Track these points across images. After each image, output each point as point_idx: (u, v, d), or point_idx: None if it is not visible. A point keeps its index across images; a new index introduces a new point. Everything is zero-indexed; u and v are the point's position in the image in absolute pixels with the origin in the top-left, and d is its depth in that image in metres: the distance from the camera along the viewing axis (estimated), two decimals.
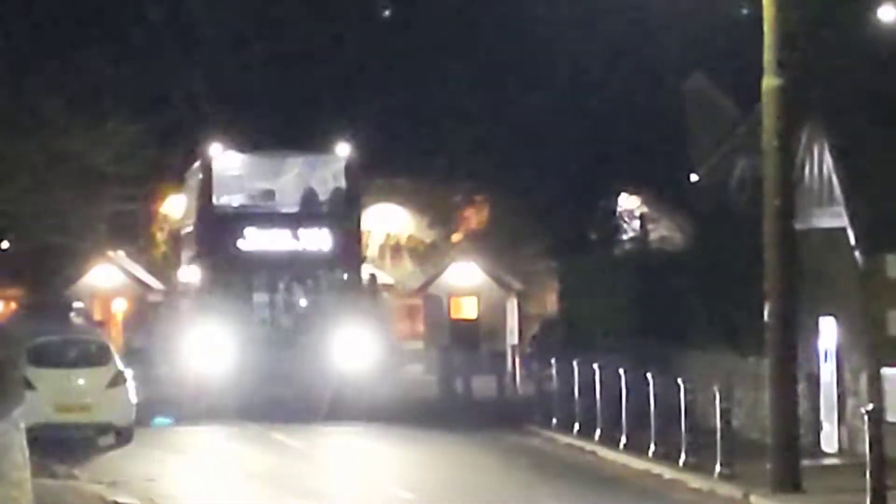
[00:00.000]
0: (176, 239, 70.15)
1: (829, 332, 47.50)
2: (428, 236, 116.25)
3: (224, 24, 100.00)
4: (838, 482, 36.25)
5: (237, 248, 43.59)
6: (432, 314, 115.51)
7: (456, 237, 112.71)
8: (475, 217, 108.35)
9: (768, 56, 38.52)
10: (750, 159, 50.49)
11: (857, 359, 47.54)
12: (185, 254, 54.32)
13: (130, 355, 71.28)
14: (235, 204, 49.57)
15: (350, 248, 46.75)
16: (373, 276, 62.55)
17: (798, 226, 42.86)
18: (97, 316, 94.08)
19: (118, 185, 73.15)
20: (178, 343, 52.23)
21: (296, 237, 45.84)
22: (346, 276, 46.22)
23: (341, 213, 47.16)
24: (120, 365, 55.04)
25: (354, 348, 45.19)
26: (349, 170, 47.36)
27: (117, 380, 53.43)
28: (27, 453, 33.63)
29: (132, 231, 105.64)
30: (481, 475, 33.67)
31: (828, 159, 49.79)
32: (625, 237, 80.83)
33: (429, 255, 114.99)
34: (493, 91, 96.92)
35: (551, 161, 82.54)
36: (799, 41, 39.92)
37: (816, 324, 47.19)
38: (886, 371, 43.48)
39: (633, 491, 38.18)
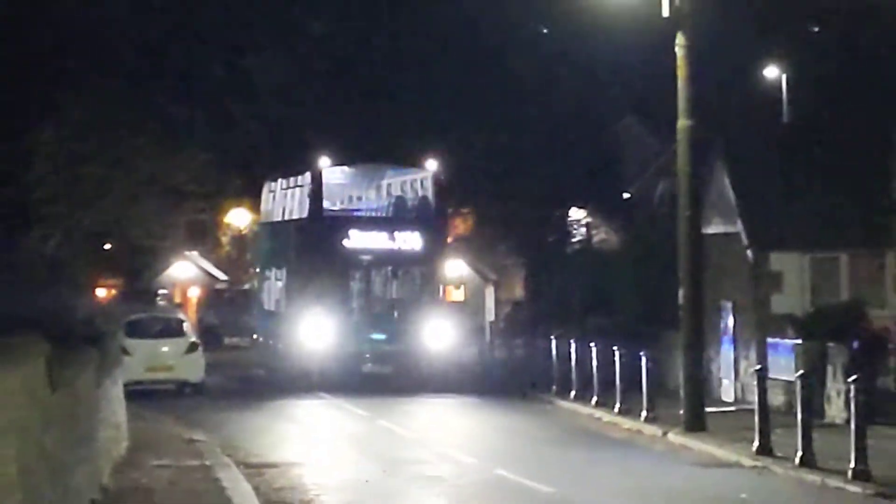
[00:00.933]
0: (258, 236, 65.85)
1: (727, 311, 48.07)
2: None
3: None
4: (734, 423, 36.40)
5: (342, 246, 43.21)
6: None
7: (448, 240, 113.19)
8: (462, 225, 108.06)
9: (681, 103, 38.86)
10: (668, 181, 51.68)
11: (748, 332, 47.91)
12: (291, 248, 51.25)
13: (203, 330, 71.53)
14: (340, 209, 48.61)
15: (435, 248, 46.02)
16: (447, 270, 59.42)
17: (704, 231, 43.17)
18: (177, 300, 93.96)
19: (192, 200, 73.07)
20: (283, 326, 49.91)
21: (391, 238, 45.07)
22: (431, 271, 45.32)
23: (429, 219, 46.17)
24: (193, 337, 55.27)
25: (438, 332, 44.36)
26: (436, 182, 46.46)
27: (192, 348, 53.65)
28: (124, 403, 33.87)
29: (202, 236, 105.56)
30: (517, 437, 34.39)
31: (726, 181, 50.20)
32: (574, 240, 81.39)
33: None
34: (476, 129, 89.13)
35: (520, 182, 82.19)
36: (704, 92, 40.03)
37: (718, 305, 47.59)
38: (769, 340, 44.06)
39: (625, 444, 38.00)
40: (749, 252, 49.08)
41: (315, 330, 40.83)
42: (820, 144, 50.46)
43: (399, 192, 47.98)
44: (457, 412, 43.21)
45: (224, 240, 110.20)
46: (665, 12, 38.63)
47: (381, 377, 43.18)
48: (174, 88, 49.31)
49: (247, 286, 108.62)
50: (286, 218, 50.65)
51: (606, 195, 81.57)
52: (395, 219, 45.24)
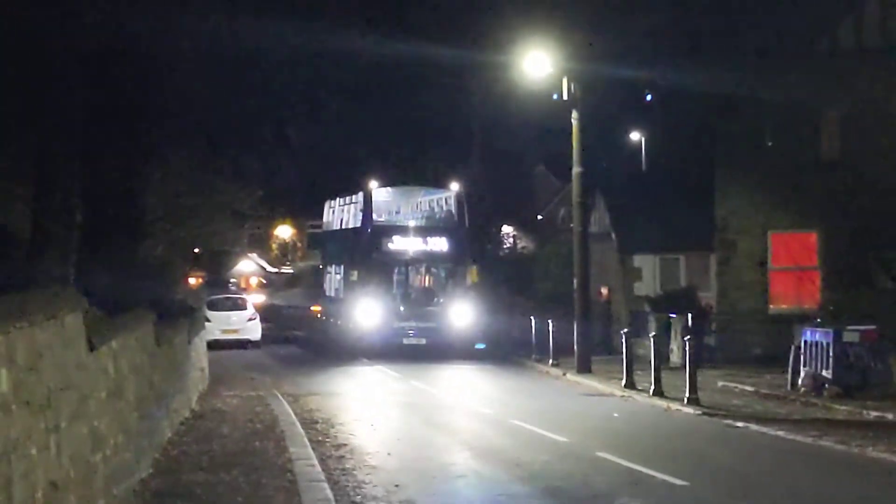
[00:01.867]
0: (321, 241, 61.41)
1: (605, 292, 48.49)
2: None
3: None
4: (610, 368, 36.25)
5: (387, 248, 42.54)
6: None
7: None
8: None
9: (575, 156, 39.08)
10: (566, 208, 51.95)
11: (620, 306, 48.20)
12: (348, 250, 48.48)
13: (262, 307, 71.69)
14: (385, 220, 46.54)
15: (459, 249, 44.49)
16: (474, 268, 52.30)
17: (590, 239, 43.34)
18: (242, 285, 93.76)
19: (251, 220, 73.18)
20: (341, 308, 47.37)
21: (424, 242, 43.93)
22: (455, 266, 43.96)
23: (453, 227, 44.79)
24: (252, 310, 55.45)
25: (461, 313, 42.96)
26: (458, 199, 45.49)
27: (252, 318, 53.76)
28: (207, 354, 33.84)
29: (259, 243, 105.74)
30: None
31: (604, 207, 50.66)
32: (505, 247, 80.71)
33: None
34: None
35: (476, 208, 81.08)
36: (590, 148, 40.13)
37: (599, 288, 47.84)
38: (634, 313, 44.67)
39: (548, 384, 37.93)
40: (619, 254, 49.53)
41: (365, 311, 40.92)
42: (665, 181, 50.88)
43: (430, 207, 47.19)
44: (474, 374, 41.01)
45: (273, 246, 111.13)
46: (565, 97, 39.24)
47: (417, 348, 41.84)
48: (241, 143, 48.84)
49: (287, 272, 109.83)
50: (343, 227, 49.62)
51: (527, 217, 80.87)
52: (427, 227, 44.82)
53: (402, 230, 44.72)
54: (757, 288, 42.72)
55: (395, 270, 44.72)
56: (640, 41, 50.43)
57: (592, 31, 43.23)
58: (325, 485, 16.16)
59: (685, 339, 29.88)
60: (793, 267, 42.43)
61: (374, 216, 44.53)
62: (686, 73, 43.32)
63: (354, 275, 43.59)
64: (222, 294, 61.31)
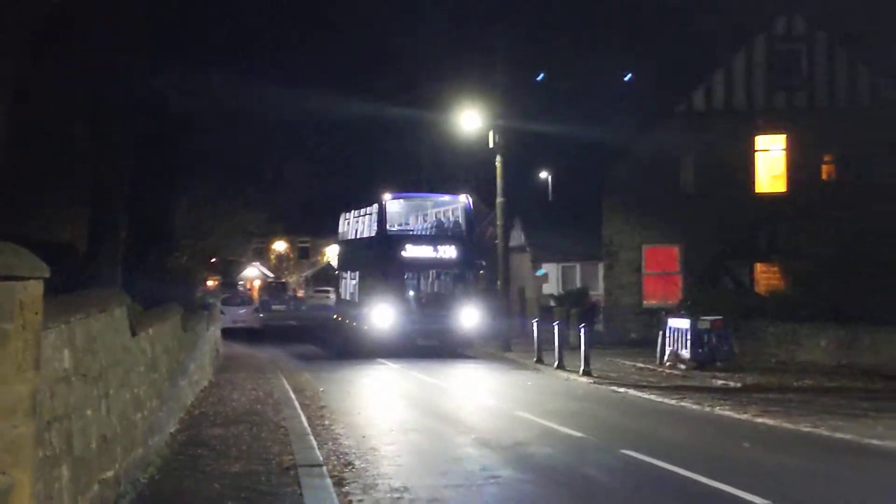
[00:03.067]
0: (337, 249, 51.83)
1: (519, 292, 48.13)
2: None
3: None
4: (526, 349, 35.96)
5: (401, 256, 36.71)
6: None
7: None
8: None
9: (499, 189, 39.08)
10: (493, 228, 50.48)
11: (532, 302, 47.98)
12: (363, 257, 41.90)
13: (263, 302, 71.11)
14: (398, 229, 40.26)
15: (466, 256, 38.02)
16: (480, 272, 47.34)
17: (511, 252, 43.16)
18: (248, 287, 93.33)
19: (256, 237, 72.85)
20: (356, 310, 40.30)
21: (434, 249, 37.76)
22: (463, 272, 37.83)
23: (461, 235, 38.22)
24: (257, 305, 55.40)
25: (469, 315, 36.93)
26: (466, 209, 38.59)
27: (257, 311, 53.75)
28: (221, 339, 33.56)
29: (262, 254, 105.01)
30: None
31: (520, 226, 50.45)
32: None
33: None
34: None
35: None
36: (510, 182, 40.04)
37: (517, 288, 47.56)
38: (543, 307, 44.19)
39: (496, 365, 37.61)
40: (532, 262, 49.44)
41: (380, 314, 35.46)
42: (566, 208, 50.78)
43: (440, 217, 40.76)
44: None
45: (272, 257, 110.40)
46: (490, 144, 39.40)
47: (428, 348, 36.01)
48: (248, 178, 48.29)
49: (283, 280, 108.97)
50: (358, 237, 42.67)
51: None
52: (437, 236, 38.64)
53: (414, 238, 39.07)
54: (633, 288, 43.00)
55: (408, 276, 38.90)
56: (550, 104, 50.38)
57: (514, 96, 43.22)
58: (311, 437, 16.13)
59: (580, 326, 29.84)
60: (660, 272, 42.74)
61: (388, 226, 38.83)
62: (583, 128, 43.40)
63: (370, 280, 37.58)
64: (232, 293, 61.73)
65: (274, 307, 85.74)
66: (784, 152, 41.51)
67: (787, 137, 41.30)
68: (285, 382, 26.15)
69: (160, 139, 30.35)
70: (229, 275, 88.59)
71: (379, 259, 36.27)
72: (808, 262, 39.16)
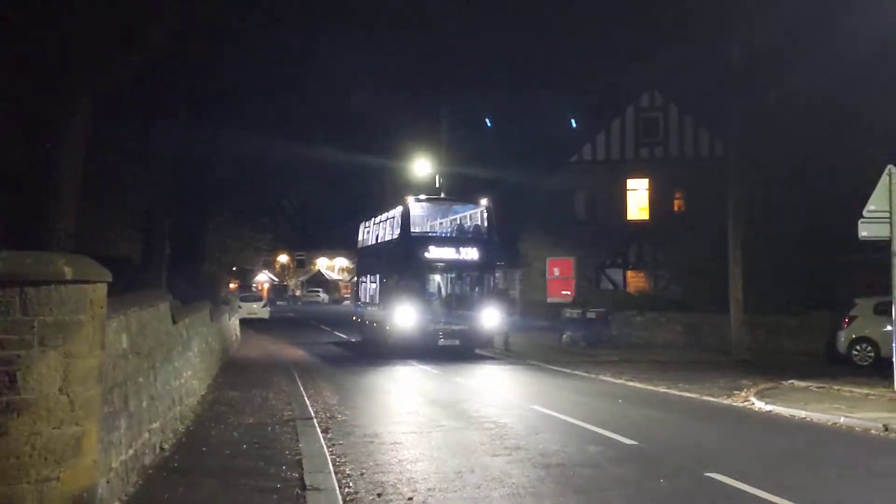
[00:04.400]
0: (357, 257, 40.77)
1: None
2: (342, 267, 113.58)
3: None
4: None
5: (424, 257, 29.78)
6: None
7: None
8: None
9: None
10: None
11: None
12: (385, 260, 33.01)
13: (269, 299, 70.74)
14: (421, 232, 32.85)
15: (487, 257, 30.43)
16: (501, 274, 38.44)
17: None
18: (259, 288, 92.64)
19: (264, 252, 72.62)
20: (378, 313, 31.75)
21: (457, 252, 30.50)
22: (484, 274, 30.35)
23: (482, 238, 30.80)
24: (265, 301, 54.92)
25: (490, 316, 29.21)
26: (488, 213, 30.99)
27: (266, 305, 53.20)
28: (239, 327, 33.21)
29: (269, 264, 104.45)
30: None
31: None
32: None
33: (350, 271, 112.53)
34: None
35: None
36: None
37: None
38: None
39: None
40: None
41: (403, 315, 28.56)
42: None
43: (462, 220, 33.57)
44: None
45: (277, 266, 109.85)
46: (436, 185, 39.32)
47: (451, 349, 28.69)
48: (258, 208, 47.85)
49: (285, 283, 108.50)
50: (379, 241, 34.16)
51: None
52: (459, 238, 31.42)
53: (436, 241, 31.40)
54: (542, 289, 43.28)
55: (431, 277, 31.77)
56: (493, 147, 49.29)
57: (463, 141, 43.25)
58: (306, 399, 16.06)
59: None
60: (560, 277, 43.05)
61: (411, 228, 31.15)
62: (510, 172, 43.30)
63: (393, 281, 29.90)
64: (248, 293, 61.31)
65: (278, 303, 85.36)
66: (647, 191, 42.07)
67: (649, 180, 41.88)
68: (291, 368, 25.89)
69: (195, 181, 30.43)
70: (245, 279, 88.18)
71: (402, 260, 29.42)
72: (664, 269, 39.83)
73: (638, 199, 42.25)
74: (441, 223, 33.20)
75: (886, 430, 12.93)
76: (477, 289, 29.09)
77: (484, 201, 29.59)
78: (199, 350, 15.49)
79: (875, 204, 16.59)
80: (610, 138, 42.48)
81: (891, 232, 16.36)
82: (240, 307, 41.10)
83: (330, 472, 9.45)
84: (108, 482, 7.30)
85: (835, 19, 26.85)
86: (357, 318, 35.97)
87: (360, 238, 37.68)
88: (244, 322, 40.24)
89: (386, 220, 32.35)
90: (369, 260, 35.06)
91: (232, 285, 68.22)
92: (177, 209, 28.11)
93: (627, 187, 42.22)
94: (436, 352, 27.21)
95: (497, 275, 29.83)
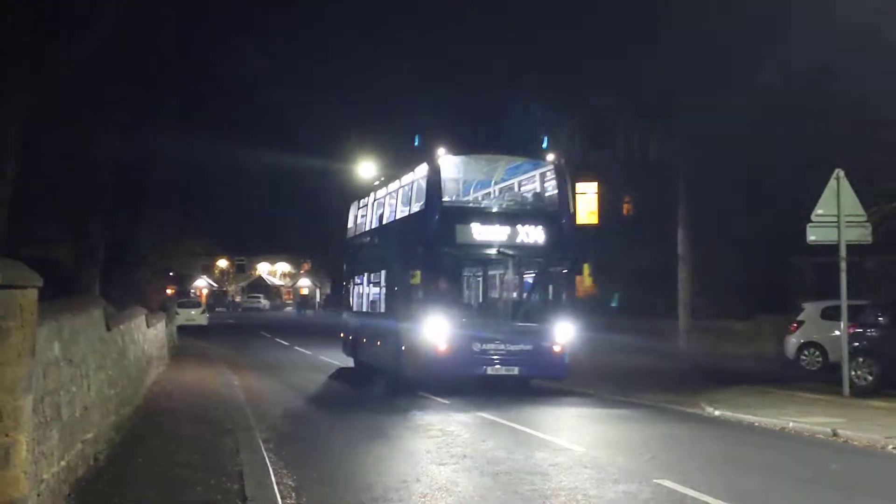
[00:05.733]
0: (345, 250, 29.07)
1: None
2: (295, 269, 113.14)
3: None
4: None
5: (463, 242, 19.10)
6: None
7: (305, 267, 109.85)
8: (305, 265, 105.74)
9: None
10: None
11: None
12: (398, 246, 21.41)
13: (208, 305, 69.95)
14: (459, 202, 21.42)
15: (561, 241, 19.48)
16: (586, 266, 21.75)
17: None
18: (198, 294, 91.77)
19: (203, 257, 71.67)
20: (387, 326, 21.15)
21: (514, 232, 19.25)
22: (558, 266, 19.54)
23: (554, 210, 19.86)
24: (204, 308, 54.59)
25: (564, 330, 19.06)
26: (559, 170, 20.15)
27: (204, 311, 52.99)
28: (177, 332, 32.85)
29: (208, 269, 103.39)
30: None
31: None
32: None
33: (292, 276, 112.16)
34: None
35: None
36: None
37: None
38: None
39: None
40: None
41: (432, 328, 18.51)
42: None
43: (520, 184, 22.41)
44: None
45: (216, 271, 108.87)
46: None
47: (505, 380, 18.98)
48: (195, 214, 46.86)
49: (224, 289, 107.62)
50: (387, 222, 23.19)
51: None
52: (518, 211, 20.32)
53: (483, 215, 20.02)
54: None
55: (472, 273, 22.02)
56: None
57: (397, 148, 43.26)
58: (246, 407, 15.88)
59: None
60: None
61: (443, 196, 20.03)
62: None
63: (413, 280, 19.33)
64: (186, 298, 60.88)
65: (217, 309, 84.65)
66: (596, 195, 42.40)
67: (598, 184, 42.19)
68: (228, 371, 25.62)
69: (130, 187, 30.26)
70: (183, 285, 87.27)
71: (428, 245, 19.07)
72: (613, 274, 40.06)
73: (587, 203, 42.54)
74: (489, 192, 22.50)
75: (835, 434, 13.16)
76: (545, 290, 20.18)
77: (551, 156, 20.03)
78: (136, 358, 15.31)
79: (823, 208, 16.94)
80: (559, 142, 42.67)
81: (838, 236, 16.70)
82: (177, 313, 40.66)
83: (271, 482, 9.34)
84: (38, 495, 7.19)
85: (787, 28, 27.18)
86: (348, 335, 26.13)
87: (351, 223, 27.82)
88: (182, 329, 39.86)
89: (398, 190, 22.03)
90: (369, 251, 25.02)
91: (169, 291, 67.42)
92: (113, 213, 27.88)
93: (577, 191, 42.43)
94: (482, 384, 18.94)
95: (569, 269, 19.51)
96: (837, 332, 17.85)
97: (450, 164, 20.71)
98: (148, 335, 18.50)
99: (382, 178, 24.58)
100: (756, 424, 14.51)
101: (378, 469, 10.66)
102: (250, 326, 55.07)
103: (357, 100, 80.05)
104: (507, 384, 19.02)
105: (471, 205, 21.20)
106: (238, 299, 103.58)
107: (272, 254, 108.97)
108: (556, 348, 18.92)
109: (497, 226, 19.26)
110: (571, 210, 20.29)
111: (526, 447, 12.12)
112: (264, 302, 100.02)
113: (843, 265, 16.74)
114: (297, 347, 34.86)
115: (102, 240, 26.91)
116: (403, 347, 19.39)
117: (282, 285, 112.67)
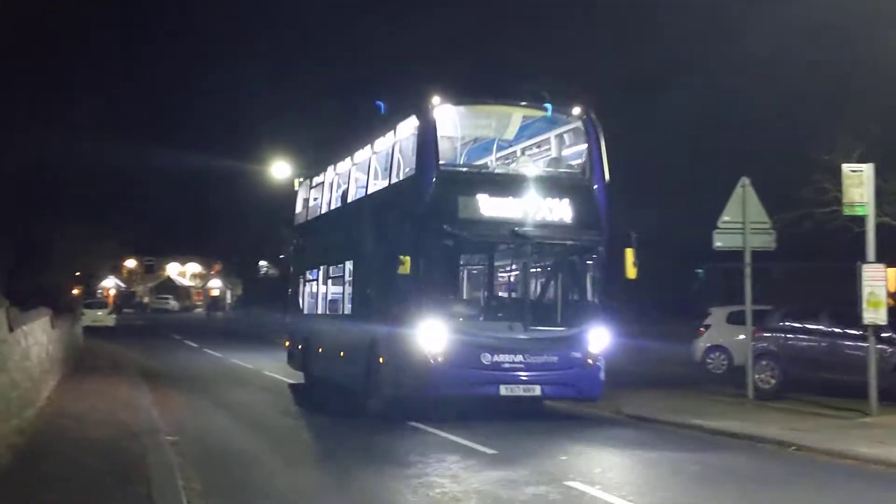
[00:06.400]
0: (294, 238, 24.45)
1: None
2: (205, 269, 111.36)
3: None
4: None
5: (467, 218, 13.48)
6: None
7: (216, 268, 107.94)
8: (216, 266, 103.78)
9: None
10: None
11: None
12: (371, 227, 15.56)
13: (116, 306, 68.50)
14: (460, 166, 15.94)
15: (595, 219, 14.20)
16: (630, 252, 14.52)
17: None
18: (105, 295, 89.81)
19: (110, 259, 69.99)
20: (358, 331, 15.77)
21: (534, 207, 13.78)
22: (590, 253, 14.17)
23: (584, 182, 14.29)
24: (111, 309, 53.57)
25: (598, 338, 14.24)
26: (590, 130, 14.30)
27: (111, 312, 52.06)
28: (83, 333, 32.21)
29: (116, 269, 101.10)
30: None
31: None
32: (261, 274, 77.26)
33: (203, 277, 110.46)
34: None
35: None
36: None
37: None
38: None
39: None
40: None
41: (424, 333, 13.43)
42: None
43: (540, 146, 16.22)
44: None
45: (124, 271, 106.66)
46: (296, 188, 38.92)
47: (521, 402, 14.35)
48: (102, 217, 45.64)
49: (132, 290, 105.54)
50: (354, 199, 17.59)
51: (276, 256, 74.95)
52: (538, 181, 14.36)
53: (493, 184, 14.84)
54: None
55: (481, 258, 16.97)
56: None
57: (315, 149, 43.01)
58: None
59: None
60: None
61: (439, 157, 14.71)
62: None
63: (403, 265, 13.44)
64: (93, 299, 59.73)
65: (125, 310, 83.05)
66: None
67: None
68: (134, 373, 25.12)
69: (37, 195, 29.82)
70: (90, 285, 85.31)
71: (421, 221, 14.22)
72: None
73: None
74: (498, 157, 17.08)
75: (736, 435, 13.56)
76: (572, 284, 15.50)
77: (577, 109, 15.30)
78: (39, 359, 14.99)
79: (729, 215, 17.36)
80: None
81: (744, 242, 17.12)
82: (83, 314, 39.84)
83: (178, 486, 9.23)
84: None
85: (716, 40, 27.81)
86: (296, 344, 21.37)
87: (299, 208, 23.26)
88: (88, 331, 38.99)
89: (370, 159, 17.33)
90: (328, 239, 19.78)
91: (76, 291, 65.89)
92: (19, 213, 27.34)
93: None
94: (490, 408, 14.63)
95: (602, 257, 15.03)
96: (742, 337, 18.40)
97: (447, 118, 15.52)
98: (52, 336, 18.13)
99: (343, 149, 19.12)
100: (663, 427, 14.79)
101: None
102: (159, 328, 54.15)
103: (271, 99, 79.38)
104: (522, 405, 14.85)
105: (476, 171, 16.27)
106: (147, 300, 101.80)
107: (182, 255, 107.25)
108: (589, 360, 14.63)
109: (511, 198, 14.50)
110: (607, 178, 14.97)
111: None
112: (173, 303, 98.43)
113: (748, 271, 17.13)
114: (220, 355, 31.40)
115: (12, 246, 26.52)
116: (381, 359, 14.80)
117: (192, 286, 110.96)
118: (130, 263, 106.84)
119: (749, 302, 17.14)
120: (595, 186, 14.95)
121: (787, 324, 19.15)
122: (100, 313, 50.03)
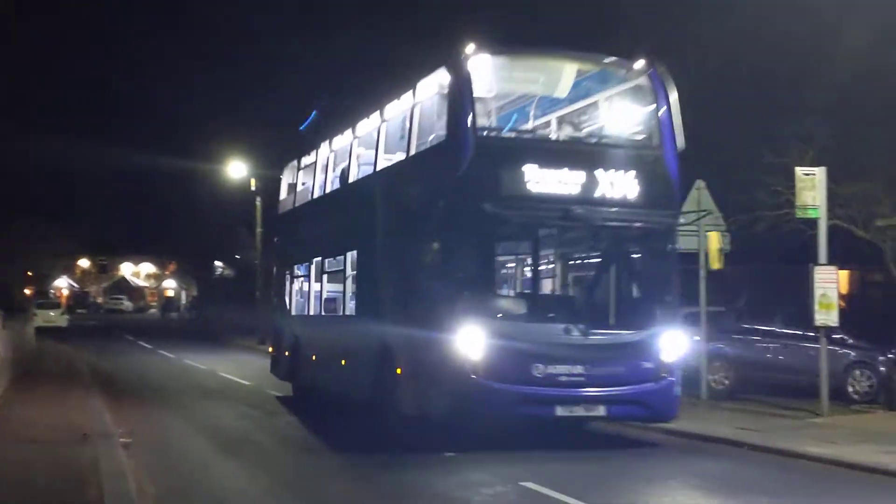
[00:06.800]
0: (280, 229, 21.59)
1: None
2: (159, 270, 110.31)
3: None
4: None
5: (511, 192, 10.02)
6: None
7: (170, 269, 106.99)
8: (171, 266, 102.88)
9: (258, 221, 38.54)
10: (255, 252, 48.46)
11: None
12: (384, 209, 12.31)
13: (67, 305, 67.65)
14: (502, 131, 11.83)
15: (671, 201, 11.14)
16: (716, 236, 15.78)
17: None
18: (58, 295, 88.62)
19: (64, 258, 69.30)
20: (367, 336, 12.63)
21: (593, 181, 10.53)
22: (665, 241, 10.80)
23: (653, 152, 11.00)
24: (64, 309, 52.95)
25: (673, 341, 10.93)
26: (657, 89, 10.80)
27: (64, 313, 51.54)
28: (35, 334, 31.80)
29: (69, 269, 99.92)
30: None
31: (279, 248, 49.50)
32: (216, 273, 76.80)
33: (157, 277, 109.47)
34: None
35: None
36: (268, 216, 39.67)
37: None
38: None
39: None
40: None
41: (460, 338, 10.01)
42: None
43: (597, 104, 12.61)
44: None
45: (78, 271, 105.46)
46: (253, 188, 39.01)
47: (584, 424, 12.28)
48: (57, 217, 45.24)
49: (86, 290, 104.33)
50: (359, 177, 14.05)
51: (232, 257, 73.84)
52: (598, 150, 11.40)
53: (542, 153, 11.41)
54: None
55: (529, 245, 13.11)
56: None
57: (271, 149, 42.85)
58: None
59: None
60: None
61: (477, 119, 11.06)
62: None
63: (431, 254, 10.99)
64: (46, 300, 59.10)
65: (78, 311, 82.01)
66: None
67: None
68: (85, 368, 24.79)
69: None
70: (43, 285, 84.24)
71: (456, 198, 10.94)
72: None
73: None
74: (547, 120, 13.99)
75: (687, 436, 13.67)
76: (641, 276, 12.51)
77: (640, 63, 12.26)
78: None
79: (684, 217, 17.47)
80: None
81: (699, 245, 17.25)
82: (36, 315, 39.37)
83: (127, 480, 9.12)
84: None
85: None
86: (282, 350, 18.66)
87: (285, 193, 20.18)
88: (41, 331, 38.43)
89: (380, 128, 13.94)
90: (324, 226, 16.53)
91: (28, 291, 64.95)
92: None
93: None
94: (541, 432, 12.39)
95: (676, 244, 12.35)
96: (696, 338, 18.52)
97: (485, 71, 12.14)
98: (3, 337, 17.91)
99: (340, 121, 16.07)
100: (613, 430, 14.74)
101: None
102: (113, 329, 53.52)
103: (227, 97, 78.86)
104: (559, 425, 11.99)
105: (522, 137, 13.21)
106: (100, 301, 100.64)
107: (136, 255, 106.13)
108: (663, 372, 11.68)
109: (565, 171, 11.44)
110: (680, 146, 12.00)
111: None
112: (127, 303, 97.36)
113: (703, 272, 17.25)
114: (173, 356, 31.24)
115: None
116: (399, 370, 12.03)
117: (146, 287, 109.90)
118: (84, 263, 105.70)
119: (703, 303, 17.29)
120: (666, 156, 11.97)
121: (739, 325, 19.34)
122: (52, 314, 49.48)
